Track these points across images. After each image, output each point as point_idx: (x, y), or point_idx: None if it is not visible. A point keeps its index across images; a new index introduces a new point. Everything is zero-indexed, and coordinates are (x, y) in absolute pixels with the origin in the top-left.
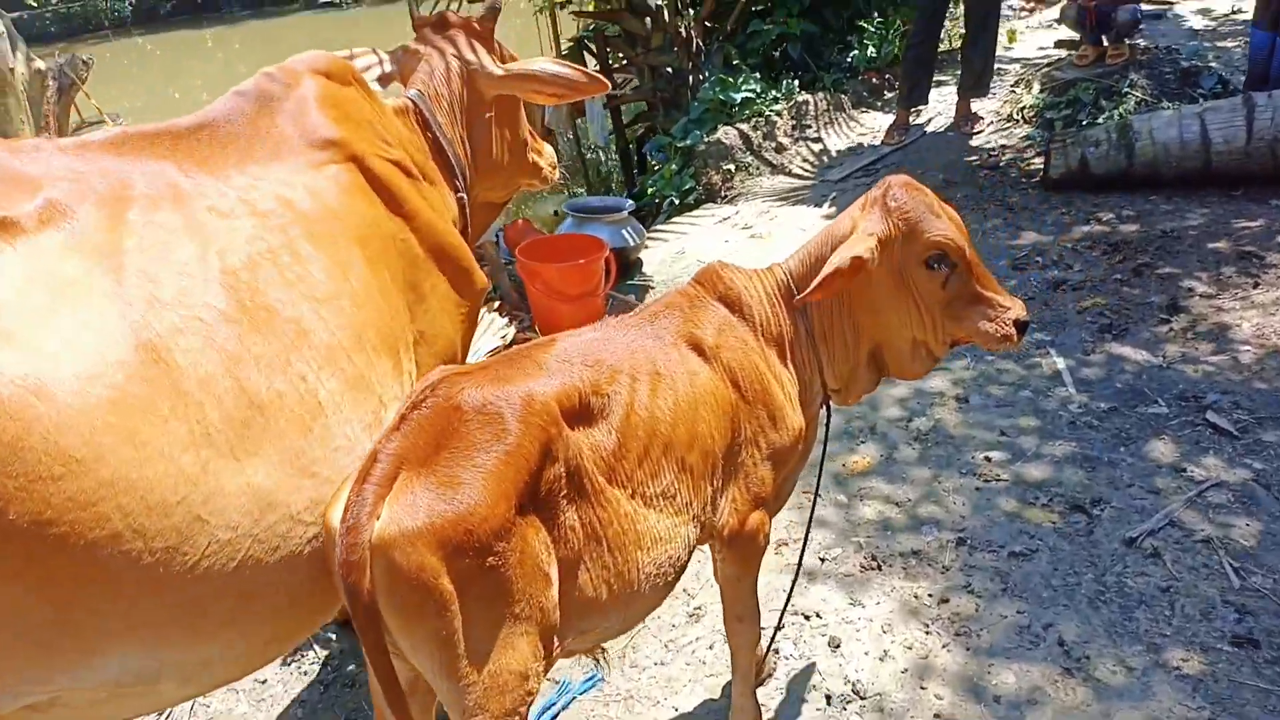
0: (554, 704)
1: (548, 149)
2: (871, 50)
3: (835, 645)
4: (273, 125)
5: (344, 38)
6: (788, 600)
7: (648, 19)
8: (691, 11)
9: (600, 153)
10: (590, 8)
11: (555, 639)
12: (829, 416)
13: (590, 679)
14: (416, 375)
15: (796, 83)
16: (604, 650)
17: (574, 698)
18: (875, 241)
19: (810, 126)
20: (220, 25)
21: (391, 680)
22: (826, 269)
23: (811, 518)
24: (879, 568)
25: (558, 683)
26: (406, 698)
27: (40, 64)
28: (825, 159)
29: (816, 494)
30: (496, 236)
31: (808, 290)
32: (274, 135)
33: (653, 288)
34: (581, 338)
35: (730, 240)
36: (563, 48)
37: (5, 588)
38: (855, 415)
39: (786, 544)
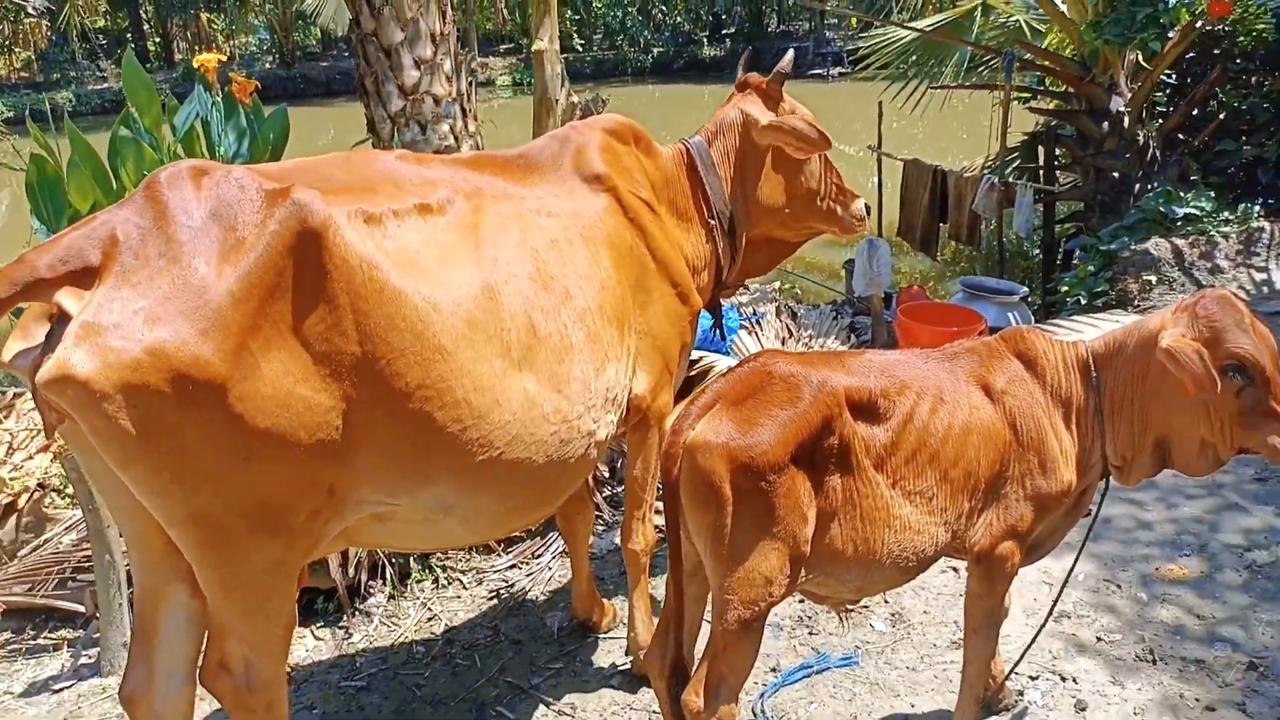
0: (811, 666)
1: (857, 203)
2: None
3: (1081, 708)
4: (565, 160)
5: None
6: (1031, 641)
7: (1105, 123)
8: (1157, 122)
9: (1024, 243)
10: (1050, 106)
11: (801, 567)
12: (1105, 489)
13: (847, 659)
14: (636, 353)
15: (1258, 207)
16: (848, 610)
17: (828, 667)
18: (1192, 347)
19: (1259, 255)
20: (719, 84)
21: (678, 552)
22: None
23: (1070, 572)
24: (1154, 662)
25: (819, 652)
26: (687, 575)
27: (575, 98)
28: (1265, 290)
29: (1079, 552)
30: (887, 293)
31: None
32: (564, 167)
33: None
34: (888, 356)
35: None
36: (1008, 140)
37: (391, 426)
38: (1189, 528)
39: (1069, 616)
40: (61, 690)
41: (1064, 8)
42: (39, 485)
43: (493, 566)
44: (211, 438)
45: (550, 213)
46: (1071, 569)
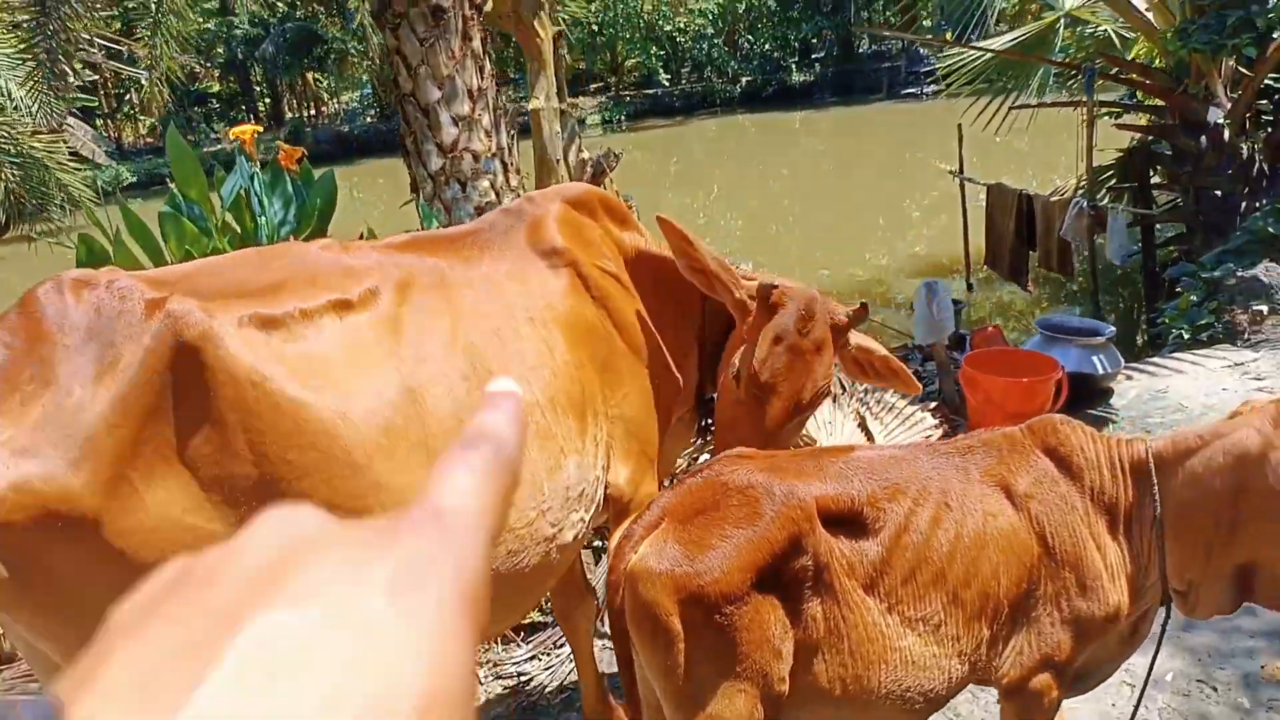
0: None
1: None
2: None
3: None
4: (518, 235)
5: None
6: None
7: (1203, 137)
8: (1263, 133)
9: (1121, 270)
10: (1142, 121)
11: (779, 709)
12: (1167, 618)
13: None
14: (607, 443)
15: None
16: None
17: None
18: None
19: None
20: (810, 109)
21: (634, 691)
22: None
23: (1140, 702)
24: None
25: None
26: (652, 715)
27: (585, 154)
28: None
29: (1144, 690)
30: (961, 334)
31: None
32: (517, 243)
33: (1115, 422)
34: (881, 453)
35: (1230, 389)
36: (1097, 160)
37: None
38: None
39: None
40: None
41: (1150, 15)
42: None
43: (511, 658)
44: (92, 577)
45: (494, 298)
46: (1149, 674)
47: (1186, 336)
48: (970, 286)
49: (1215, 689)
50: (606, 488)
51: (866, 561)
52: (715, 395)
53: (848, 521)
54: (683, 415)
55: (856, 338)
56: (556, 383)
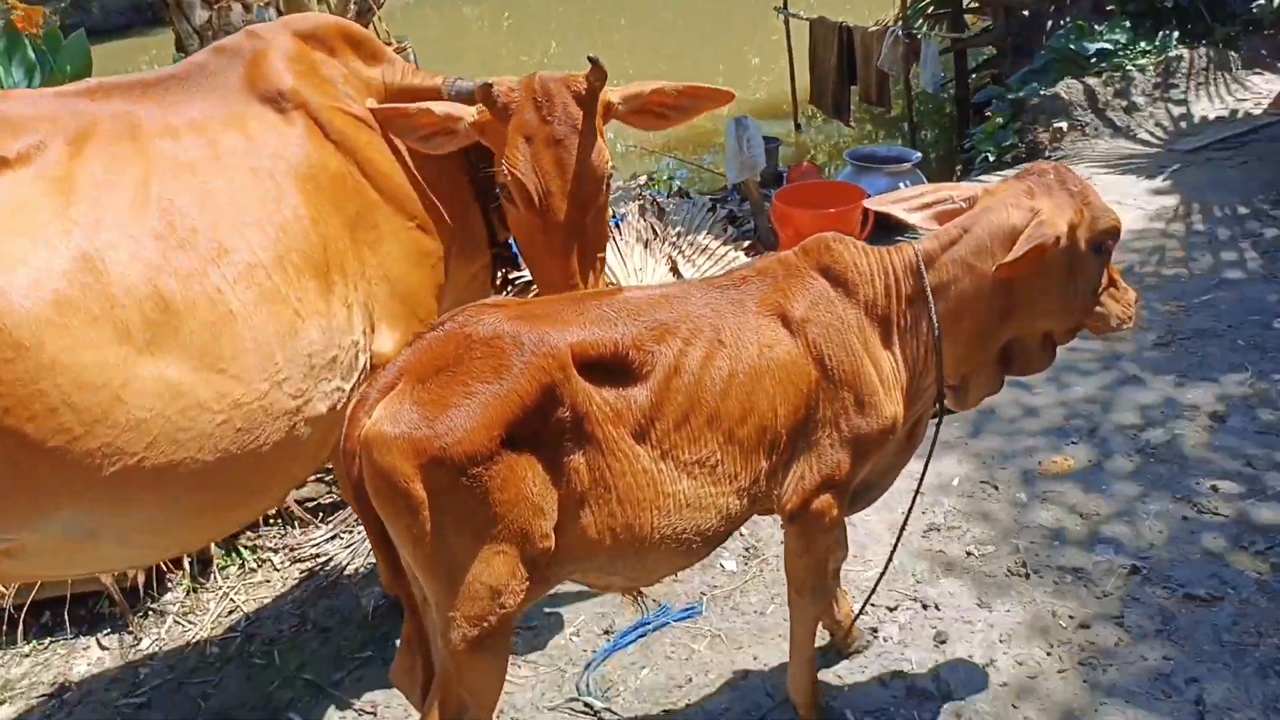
0: (648, 623)
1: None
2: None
3: (941, 641)
4: (235, 75)
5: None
6: (877, 581)
7: None
8: None
9: (935, 99)
10: None
11: (546, 566)
12: (940, 419)
13: (689, 610)
14: (367, 306)
15: (1176, 35)
16: (640, 593)
17: (667, 622)
18: (1066, 223)
19: (1178, 86)
20: None
21: (392, 559)
22: (1026, 244)
23: (909, 515)
24: (1027, 576)
25: (660, 604)
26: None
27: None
28: (1184, 125)
29: (917, 493)
30: (779, 172)
31: (1006, 260)
32: (232, 85)
33: None
34: (650, 292)
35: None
36: None
37: None
38: (1079, 411)
39: (939, 529)
40: None
41: None
42: None
43: (310, 540)
44: None
45: (203, 148)
46: (921, 479)
47: (992, 158)
48: (798, 126)
49: (997, 488)
50: (371, 354)
51: (635, 407)
52: (511, 238)
53: (611, 367)
54: (476, 271)
55: (618, 92)
56: (286, 240)
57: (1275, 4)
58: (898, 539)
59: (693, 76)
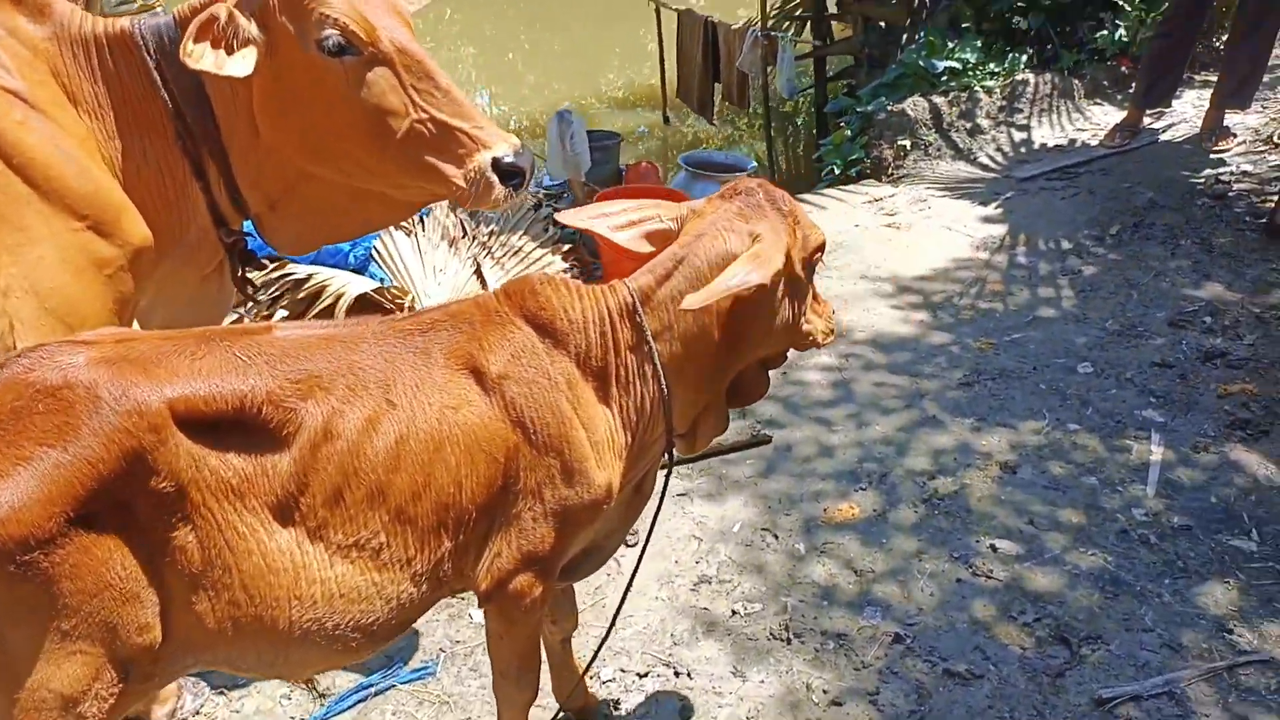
0: (372, 684)
1: (481, 156)
2: (1123, 33)
3: (686, 715)
4: None
5: None
6: (601, 644)
7: None
8: None
9: (789, 104)
10: None
11: (152, 663)
12: (670, 468)
13: (421, 670)
14: (8, 324)
15: (1024, 58)
16: (312, 681)
17: (394, 685)
18: (784, 248)
19: (1022, 111)
20: None
21: None
22: (739, 280)
23: (635, 574)
24: (789, 641)
25: (391, 660)
26: None
27: None
28: (1024, 151)
29: (645, 546)
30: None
31: (697, 296)
32: None
33: None
34: (309, 333)
35: (862, 225)
36: None
37: None
38: (874, 453)
39: (709, 581)
40: None
41: None
42: None
43: None
44: None
45: None
46: (634, 572)
47: (839, 171)
48: (667, 119)
49: (777, 536)
50: None
51: (272, 477)
52: (259, 232)
53: (234, 428)
54: (208, 274)
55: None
56: None
57: (1118, 35)
58: (620, 603)
59: (588, 52)
